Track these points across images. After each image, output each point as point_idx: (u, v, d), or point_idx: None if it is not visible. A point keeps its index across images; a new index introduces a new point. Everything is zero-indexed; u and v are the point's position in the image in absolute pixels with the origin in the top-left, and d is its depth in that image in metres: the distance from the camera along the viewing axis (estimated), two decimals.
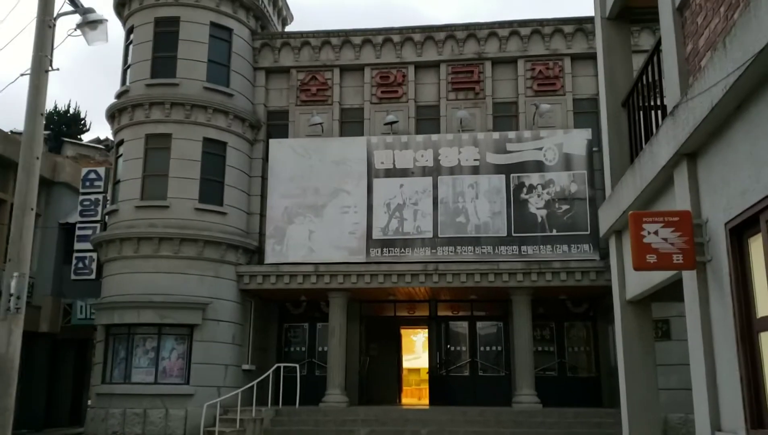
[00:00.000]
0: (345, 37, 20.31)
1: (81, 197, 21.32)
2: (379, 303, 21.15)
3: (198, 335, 17.68)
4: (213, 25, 19.37)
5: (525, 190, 18.70)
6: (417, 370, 27.32)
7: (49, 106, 46.57)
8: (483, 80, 19.82)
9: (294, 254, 19.07)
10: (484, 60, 19.87)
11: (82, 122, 35.94)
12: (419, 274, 18.30)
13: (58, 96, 66.59)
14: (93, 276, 20.74)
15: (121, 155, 19.11)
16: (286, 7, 24.63)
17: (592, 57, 19.39)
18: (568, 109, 19.34)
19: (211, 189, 18.67)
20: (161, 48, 19.06)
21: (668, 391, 16.20)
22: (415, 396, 27.29)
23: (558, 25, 19.53)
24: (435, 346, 20.72)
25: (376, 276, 18.47)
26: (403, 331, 23.64)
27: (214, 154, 18.89)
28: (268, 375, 18.12)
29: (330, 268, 18.57)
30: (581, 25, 19.43)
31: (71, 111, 35.28)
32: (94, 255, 20.61)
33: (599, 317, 20.13)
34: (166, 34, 19.10)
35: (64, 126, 33.98)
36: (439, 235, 18.69)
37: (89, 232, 20.47)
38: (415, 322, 22.84)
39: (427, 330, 21.26)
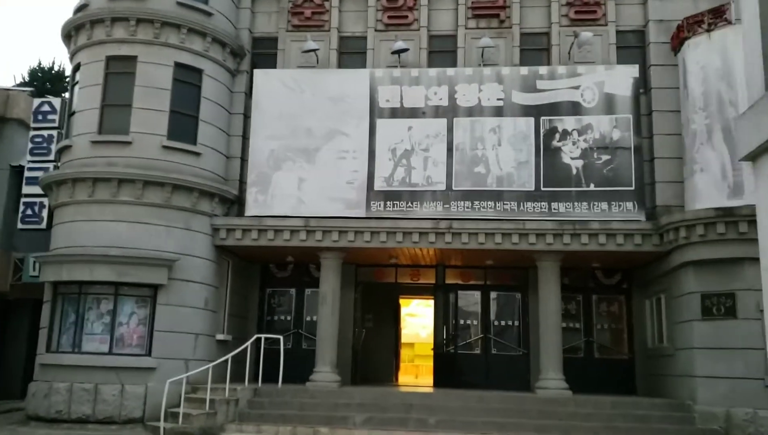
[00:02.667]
0: None
1: (32, 133, 18.26)
2: (378, 267, 18.18)
3: (163, 298, 14.73)
4: None
5: (558, 136, 15.68)
6: (417, 346, 24.59)
7: (32, 63, 43.89)
8: (509, 6, 16.68)
9: (280, 206, 16.07)
10: None
11: (67, 79, 32.89)
12: (429, 233, 15.34)
13: (43, 54, 62.77)
14: (44, 225, 17.75)
15: (77, 82, 15.97)
16: None
17: None
18: (610, 42, 16.26)
19: (183, 124, 15.58)
20: None
21: (732, 380, 13.44)
22: (413, 374, 24.55)
23: None
24: (442, 320, 17.84)
25: (378, 234, 15.50)
26: (403, 301, 20.75)
27: (187, 83, 15.76)
28: (247, 347, 15.21)
29: (323, 223, 15.60)
30: None
31: (56, 68, 32.24)
32: (46, 200, 17.57)
33: (635, 290, 17.30)
34: None
35: (48, 83, 31.13)
36: (454, 188, 15.70)
37: (41, 173, 17.34)
38: (418, 291, 19.94)
39: (432, 300, 18.35)
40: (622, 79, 15.71)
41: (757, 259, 13.63)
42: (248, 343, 15.28)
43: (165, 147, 15.17)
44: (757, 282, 13.54)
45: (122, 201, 14.73)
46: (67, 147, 15.55)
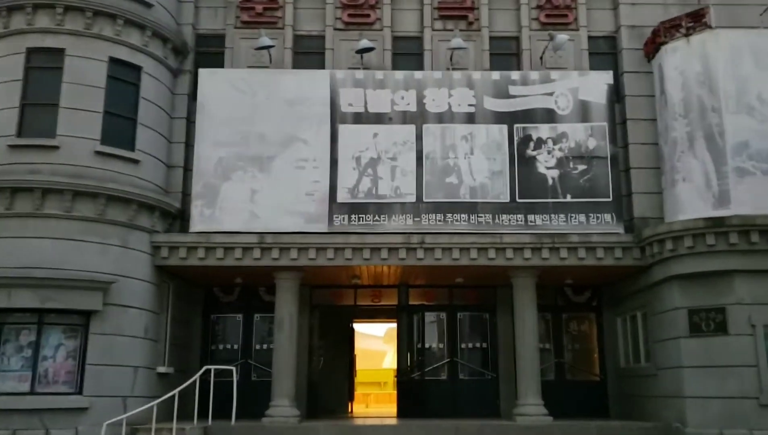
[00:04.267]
0: None
1: None
2: (335, 288, 16.68)
3: (97, 326, 12.69)
4: None
5: (532, 144, 14.74)
6: (378, 372, 23.13)
7: None
8: (478, 7, 15.72)
9: (230, 220, 14.34)
10: None
11: None
12: (399, 249, 13.99)
13: None
14: None
15: None
16: None
17: None
18: (582, 47, 15.53)
19: (119, 128, 13.68)
20: None
21: (724, 400, 12.67)
22: (364, 403, 23.01)
23: None
24: (405, 344, 16.49)
25: (342, 250, 14.02)
26: (360, 325, 19.25)
27: (124, 81, 13.90)
28: (195, 381, 13.34)
29: (280, 239, 13.98)
30: None
31: None
32: None
33: (605, 308, 16.50)
34: None
35: None
36: (425, 200, 14.44)
37: None
38: (380, 313, 18.47)
39: (396, 323, 16.97)
40: (596, 85, 14.98)
41: (748, 272, 13.29)
42: (197, 375, 13.40)
43: (98, 153, 13.21)
44: (748, 295, 13.04)
45: (48, 214, 12.65)
46: None
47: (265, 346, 15.94)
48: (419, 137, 14.68)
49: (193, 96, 15.16)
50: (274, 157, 14.59)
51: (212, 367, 13.91)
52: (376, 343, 25.30)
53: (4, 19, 13.52)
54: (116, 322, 12.91)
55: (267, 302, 15.95)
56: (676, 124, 13.99)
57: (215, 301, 16.32)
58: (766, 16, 14.42)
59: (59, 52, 13.41)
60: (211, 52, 15.63)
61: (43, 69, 13.39)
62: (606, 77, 15.05)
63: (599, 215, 14.43)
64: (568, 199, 14.50)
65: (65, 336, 12.61)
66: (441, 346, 16.43)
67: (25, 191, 12.61)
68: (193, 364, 15.45)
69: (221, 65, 15.43)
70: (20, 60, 13.34)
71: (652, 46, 14.78)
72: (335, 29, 15.61)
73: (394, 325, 17.41)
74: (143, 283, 13.59)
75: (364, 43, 14.61)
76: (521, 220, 14.36)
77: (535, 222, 14.37)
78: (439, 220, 14.32)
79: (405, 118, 14.80)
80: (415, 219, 14.32)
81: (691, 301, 13.31)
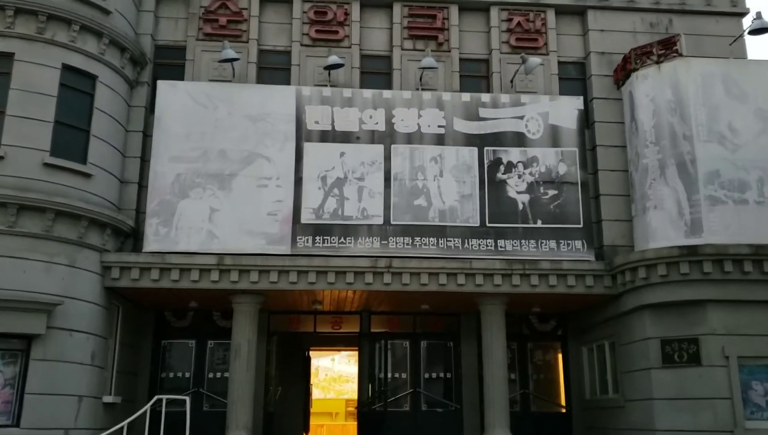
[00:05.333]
0: None
1: None
2: (295, 314, 15.97)
3: (39, 351, 11.68)
4: None
5: (503, 168, 14.42)
6: (333, 403, 22.26)
7: None
8: (448, 28, 15.44)
9: (187, 240, 13.55)
10: (449, 3, 15.53)
11: None
12: (366, 273, 13.40)
13: None
14: None
15: None
16: None
17: (579, 12, 15.72)
18: (552, 72, 15.37)
19: (71, 139, 12.81)
20: None
21: (697, 433, 12.39)
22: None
23: None
24: (367, 373, 15.87)
25: (306, 273, 13.36)
26: (316, 353, 18.50)
27: (77, 90, 13.05)
28: (146, 411, 12.40)
29: (240, 261, 13.26)
30: None
31: None
32: None
33: (571, 337, 16.19)
34: None
35: None
36: (392, 222, 13.93)
37: None
38: (340, 341, 17.79)
39: (357, 351, 16.31)
40: (566, 110, 14.82)
41: (721, 302, 13.12)
42: (148, 405, 12.45)
43: (47, 165, 12.31)
44: (721, 326, 12.84)
45: None
46: None
47: (218, 375, 15.08)
48: (387, 157, 14.22)
49: (150, 109, 14.40)
50: (235, 174, 13.90)
51: (164, 396, 12.97)
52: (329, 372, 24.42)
53: None
54: (60, 347, 11.92)
55: (221, 328, 15.16)
56: (647, 152, 13.88)
57: (166, 325, 15.40)
58: (734, 46, 14.52)
59: (8, 57, 12.49)
60: (170, 63, 14.91)
61: None
62: (576, 102, 14.91)
63: (570, 242, 14.16)
64: (539, 224, 14.19)
65: (3, 362, 11.56)
66: (404, 375, 15.82)
67: None
68: (142, 393, 14.51)
69: (181, 78, 14.72)
70: None
71: (623, 72, 14.72)
72: (302, 45, 15.09)
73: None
74: (91, 306, 12.65)
75: (334, 59, 14.12)
76: (491, 245, 13.98)
77: (505, 247, 14.00)
78: (407, 244, 13.82)
79: (373, 137, 14.33)
80: (383, 242, 13.79)
81: (664, 331, 13.07)
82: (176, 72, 14.84)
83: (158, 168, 13.88)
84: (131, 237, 13.73)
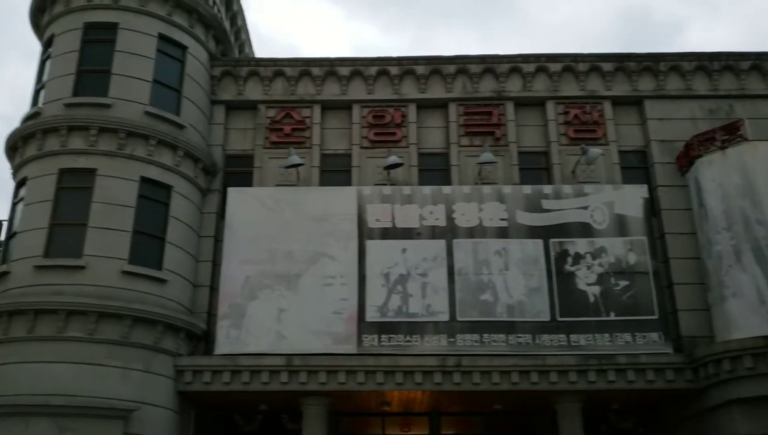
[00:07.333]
0: (329, 66, 16.01)
1: None
2: (363, 416, 15.73)
3: None
4: (162, 38, 14.79)
5: (570, 259, 14.24)
6: None
7: None
8: (504, 124, 15.71)
9: (256, 342, 13.74)
10: (505, 100, 15.87)
11: None
12: (434, 372, 13.22)
13: None
14: None
15: (20, 200, 13.74)
16: (245, 31, 20.16)
17: (636, 102, 15.77)
18: (613, 161, 15.32)
19: (148, 247, 13.43)
20: (90, 60, 14.30)
21: None
22: None
23: (595, 61, 15.85)
24: None
25: (374, 374, 13.28)
26: None
27: (154, 200, 13.81)
28: None
29: (308, 362, 13.31)
30: (622, 63, 15.83)
31: None
32: None
33: None
34: (98, 44, 14.41)
35: None
36: (458, 318, 13.81)
37: None
38: None
39: None
40: (632, 199, 14.66)
41: None
42: None
43: (125, 272, 12.89)
44: None
45: (70, 337, 12.20)
46: (4, 274, 13.02)
47: None
48: (450, 252, 14.26)
49: (221, 214, 14.99)
50: (301, 274, 14.18)
51: None
52: None
53: (38, 141, 13.66)
54: None
55: (290, 430, 15.01)
56: (720, 238, 13.49)
57: (236, 429, 15.38)
58: None
59: (91, 172, 13.43)
60: (239, 171, 15.60)
61: (73, 189, 13.39)
62: (641, 191, 14.75)
63: (645, 334, 13.67)
64: (612, 317, 13.79)
65: None
66: None
67: (48, 313, 12.26)
68: None
69: (249, 184, 15.36)
70: (52, 181, 13.39)
71: (686, 159, 14.56)
72: (362, 147, 15.61)
73: None
74: (165, 411, 12.85)
75: (393, 159, 14.52)
76: (563, 341, 13.62)
77: (578, 342, 13.62)
78: (475, 341, 13.62)
79: (434, 233, 14.46)
80: (450, 339, 13.63)
81: (756, 428, 12.26)
82: (245, 179, 15.49)
83: (228, 271, 14.30)
84: (203, 340, 14.01)
